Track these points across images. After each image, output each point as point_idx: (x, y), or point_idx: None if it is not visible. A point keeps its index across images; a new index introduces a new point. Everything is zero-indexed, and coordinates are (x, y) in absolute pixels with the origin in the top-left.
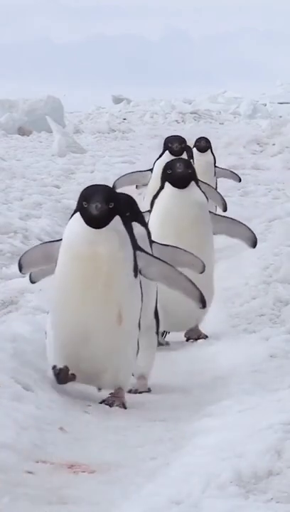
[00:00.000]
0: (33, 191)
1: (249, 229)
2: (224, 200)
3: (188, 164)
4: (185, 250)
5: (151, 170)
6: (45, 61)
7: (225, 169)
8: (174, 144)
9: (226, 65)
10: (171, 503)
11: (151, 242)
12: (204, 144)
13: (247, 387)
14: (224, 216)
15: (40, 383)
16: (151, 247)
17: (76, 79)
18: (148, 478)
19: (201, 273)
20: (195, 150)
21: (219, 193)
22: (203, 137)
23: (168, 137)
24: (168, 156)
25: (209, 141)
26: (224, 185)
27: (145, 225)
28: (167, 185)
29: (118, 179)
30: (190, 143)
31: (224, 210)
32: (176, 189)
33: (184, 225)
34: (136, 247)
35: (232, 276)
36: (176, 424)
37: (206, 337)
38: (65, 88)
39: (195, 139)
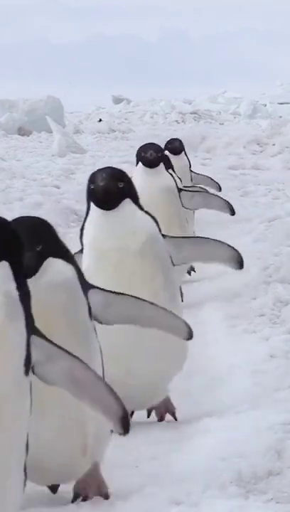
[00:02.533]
0: (33, 191)
1: (232, 248)
2: (229, 203)
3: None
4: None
5: None
6: (45, 61)
7: (204, 175)
8: (148, 153)
9: (226, 65)
10: (171, 503)
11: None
12: (177, 145)
13: (247, 387)
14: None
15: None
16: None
17: (76, 79)
18: (148, 478)
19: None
20: (166, 153)
21: (221, 198)
22: (176, 138)
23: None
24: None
25: (182, 143)
26: (223, 185)
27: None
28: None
29: None
30: (191, 143)
31: (232, 214)
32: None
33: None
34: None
35: (232, 276)
36: (176, 424)
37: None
38: (65, 88)
39: (194, 140)
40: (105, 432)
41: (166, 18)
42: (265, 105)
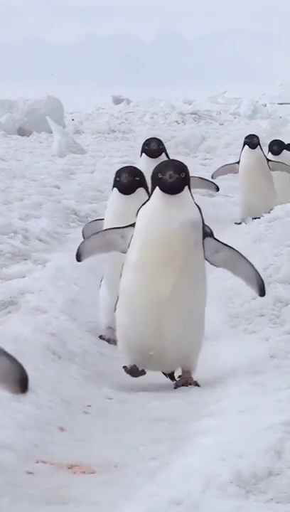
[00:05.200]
0: (33, 191)
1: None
2: None
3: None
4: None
5: None
6: (45, 61)
7: (197, 177)
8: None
9: (226, 65)
10: (171, 503)
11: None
12: (156, 147)
13: (247, 387)
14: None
15: (40, 383)
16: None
17: (76, 79)
18: (148, 478)
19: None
20: (144, 155)
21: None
22: (154, 138)
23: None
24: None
25: (162, 143)
26: (223, 185)
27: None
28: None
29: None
30: (191, 143)
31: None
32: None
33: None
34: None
35: (232, 277)
36: (176, 424)
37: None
38: (65, 88)
39: (194, 140)
40: None
41: (164, 17)
42: (265, 105)
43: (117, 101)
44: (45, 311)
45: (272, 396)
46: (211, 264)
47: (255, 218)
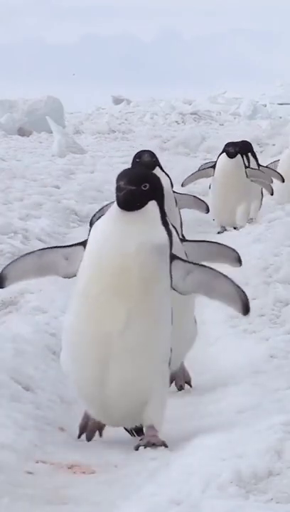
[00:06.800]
0: (33, 192)
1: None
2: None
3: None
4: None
5: None
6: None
7: (188, 195)
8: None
9: (226, 65)
10: (171, 503)
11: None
12: (148, 159)
13: (247, 388)
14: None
15: (40, 383)
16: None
17: (76, 79)
18: (148, 478)
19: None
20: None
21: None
22: (147, 150)
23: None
24: None
25: (155, 155)
26: None
27: None
28: None
29: None
30: (191, 144)
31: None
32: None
33: None
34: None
35: (232, 276)
36: (176, 424)
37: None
38: (65, 88)
39: (194, 141)
40: None
41: (164, 17)
42: (265, 105)
43: (117, 101)
44: (45, 311)
45: (272, 396)
46: (181, 293)
47: (225, 230)
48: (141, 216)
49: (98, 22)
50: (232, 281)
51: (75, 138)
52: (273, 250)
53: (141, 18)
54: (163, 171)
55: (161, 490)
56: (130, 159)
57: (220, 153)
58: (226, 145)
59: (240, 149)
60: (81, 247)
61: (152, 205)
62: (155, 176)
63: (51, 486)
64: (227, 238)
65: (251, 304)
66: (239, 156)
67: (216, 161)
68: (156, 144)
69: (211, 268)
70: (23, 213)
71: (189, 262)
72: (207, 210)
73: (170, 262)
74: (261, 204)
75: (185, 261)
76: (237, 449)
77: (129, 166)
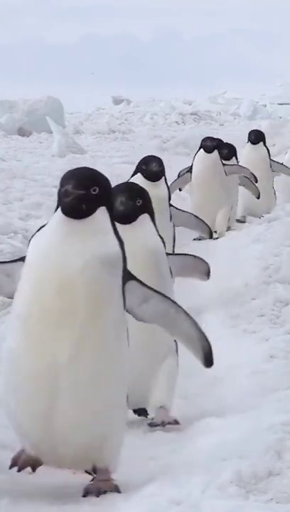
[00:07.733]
0: (33, 192)
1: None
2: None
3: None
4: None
5: None
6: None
7: (186, 212)
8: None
9: (226, 65)
10: (171, 503)
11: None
12: (157, 169)
13: (247, 388)
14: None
15: None
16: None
17: (76, 79)
18: (148, 478)
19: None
20: (139, 176)
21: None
22: (155, 157)
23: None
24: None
25: (162, 164)
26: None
27: None
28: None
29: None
30: (191, 144)
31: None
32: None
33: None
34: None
35: (232, 277)
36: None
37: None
38: (65, 88)
39: (194, 141)
40: None
41: (164, 17)
42: (265, 106)
43: (117, 101)
44: None
45: (272, 396)
46: (137, 319)
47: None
48: (90, 225)
49: (98, 22)
50: (194, 323)
51: (75, 138)
52: (273, 250)
53: (141, 18)
54: (166, 181)
55: (161, 490)
56: (130, 159)
57: (197, 151)
58: (203, 140)
59: (218, 144)
60: (21, 263)
61: (101, 212)
62: (105, 178)
63: (51, 486)
64: (227, 238)
65: (252, 304)
66: (216, 151)
67: (192, 164)
68: (156, 144)
69: (171, 300)
70: (23, 213)
71: (147, 287)
72: (211, 235)
73: (125, 282)
74: (234, 212)
75: (142, 284)
76: (237, 449)
77: (129, 166)
